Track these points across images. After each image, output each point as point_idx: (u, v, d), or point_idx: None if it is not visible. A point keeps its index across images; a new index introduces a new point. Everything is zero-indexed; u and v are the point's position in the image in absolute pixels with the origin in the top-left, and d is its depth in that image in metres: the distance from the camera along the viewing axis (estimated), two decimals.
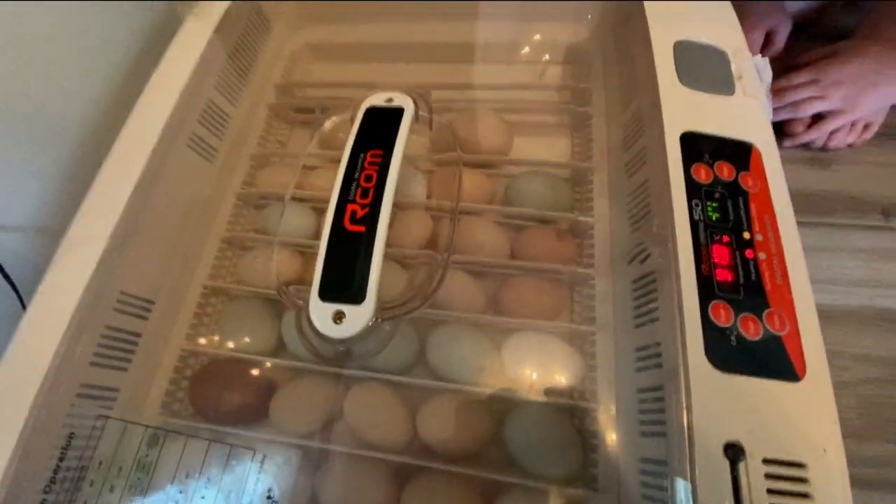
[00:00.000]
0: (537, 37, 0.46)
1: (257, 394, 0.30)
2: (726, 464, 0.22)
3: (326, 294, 0.24)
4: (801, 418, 0.23)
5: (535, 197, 0.36)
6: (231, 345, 0.32)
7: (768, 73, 0.35)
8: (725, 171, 0.29)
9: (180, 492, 0.26)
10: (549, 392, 0.29)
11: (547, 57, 0.46)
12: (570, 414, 0.29)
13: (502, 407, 0.30)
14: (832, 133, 0.46)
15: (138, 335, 0.32)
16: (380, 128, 0.29)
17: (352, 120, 0.30)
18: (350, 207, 0.25)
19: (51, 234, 0.32)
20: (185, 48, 0.38)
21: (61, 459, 0.26)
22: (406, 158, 0.28)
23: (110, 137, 0.33)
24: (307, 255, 0.35)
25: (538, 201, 0.35)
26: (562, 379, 0.29)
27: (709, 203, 0.28)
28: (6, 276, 0.32)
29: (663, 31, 0.34)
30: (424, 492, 0.27)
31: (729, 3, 0.37)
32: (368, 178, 0.26)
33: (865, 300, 0.40)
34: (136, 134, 0.34)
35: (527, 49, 0.46)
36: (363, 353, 0.26)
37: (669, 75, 0.32)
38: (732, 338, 0.24)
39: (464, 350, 0.30)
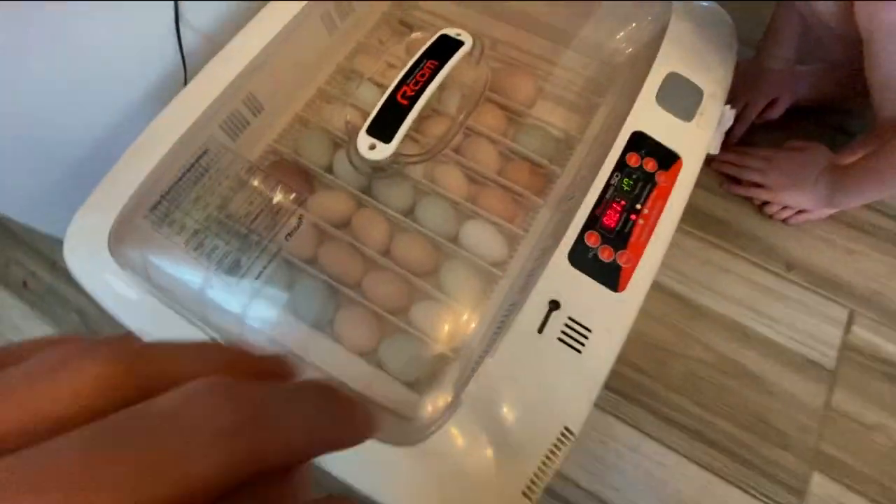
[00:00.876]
0: (592, 36, 0.58)
1: (305, 186, 0.47)
2: (546, 308, 0.37)
3: (371, 130, 0.40)
4: (607, 311, 0.38)
5: (531, 142, 0.50)
6: (299, 153, 0.49)
7: (728, 122, 0.47)
8: (650, 164, 0.42)
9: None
10: (477, 255, 0.45)
11: (591, 53, 0.58)
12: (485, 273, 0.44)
13: (443, 252, 0.45)
14: (767, 205, 0.57)
15: (248, 124, 0.50)
16: (443, 49, 0.43)
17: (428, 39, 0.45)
18: (403, 88, 0.41)
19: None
20: None
21: (189, 169, 0.44)
22: (452, 77, 0.43)
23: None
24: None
25: (532, 146, 0.50)
26: (489, 251, 0.44)
27: (626, 178, 0.42)
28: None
29: (665, 61, 0.46)
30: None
31: (733, 60, 0.49)
32: (422, 76, 0.41)
33: (734, 313, 0.52)
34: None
35: (582, 44, 0.58)
36: (382, 177, 0.42)
37: (650, 93, 0.45)
38: (590, 255, 0.39)
39: (439, 213, 0.46)
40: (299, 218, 0.40)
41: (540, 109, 0.54)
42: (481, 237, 0.46)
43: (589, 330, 0.37)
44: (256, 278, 0.39)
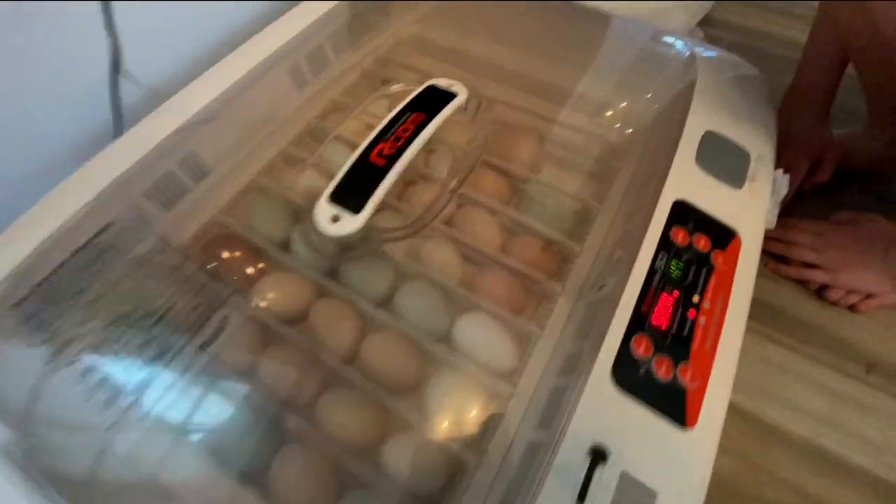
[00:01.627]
0: (605, 97, 0.51)
1: (252, 270, 0.36)
2: (586, 461, 0.25)
3: (335, 197, 0.30)
4: (674, 459, 0.25)
5: (540, 212, 0.40)
6: (249, 226, 0.38)
7: (784, 189, 0.38)
8: (702, 242, 0.32)
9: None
10: (476, 361, 0.33)
11: (609, 113, 0.51)
12: (487, 391, 0.32)
13: (430, 359, 0.33)
14: (826, 290, 0.47)
15: (187, 191, 0.39)
16: (432, 101, 0.35)
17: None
18: (380, 146, 0.31)
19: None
20: (314, 6, 0.47)
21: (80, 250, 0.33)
22: (442, 135, 0.34)
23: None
24: None
25: (542, 216, 0.40)
26: (493, 355, 0.33)
27: (674, 260, 0.31)
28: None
29: (699, 119, 0.38)
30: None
31: (774, 118, 0.41)
32: (405, 131, 0.32)
33: (813, 433, 0.40)
34: (257, 46, 0.42)
35: (592, 104, 0.51)
36: (347, 259, 0.31)
37: (688, 155, 0.36)
38: (641, 370, 0.27)
39: (425, 303, 0.35)
40: (224, 318, 0.28)
41: (548, 175, 0.45)
42: (482, 336, 0.34)
43: (653, 495, 0.24)
44: (149, 410, 0.26)
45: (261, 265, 0.36)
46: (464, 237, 0.38)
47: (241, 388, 0.31)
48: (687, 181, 0.35)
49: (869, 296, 0.45)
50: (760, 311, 0.46)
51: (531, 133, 0.46)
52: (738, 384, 0.41)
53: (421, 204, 0.37)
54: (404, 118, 0.33)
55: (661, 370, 0.27)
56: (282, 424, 0.30)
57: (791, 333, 0.45)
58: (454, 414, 0.32)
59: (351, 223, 0.29)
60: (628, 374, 0.27)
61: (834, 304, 0.46)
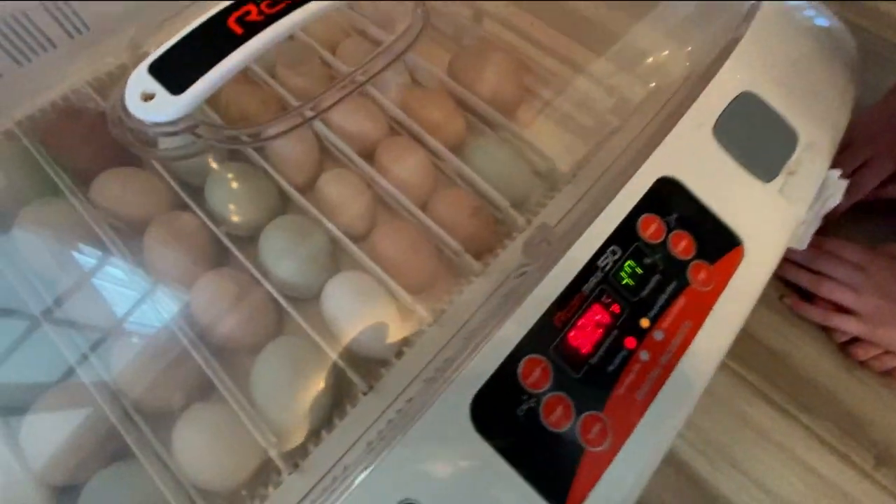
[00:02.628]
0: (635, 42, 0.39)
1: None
2: None
3: (155, 68, 0.20)
4: None
5: (492, 166, 0.30)
6: None
7: (836, 198, 0.26)
8: (682, 245, 0.22)
9: None
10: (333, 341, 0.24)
11: (642, 63, 0.39)
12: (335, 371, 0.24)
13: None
14: (855, 344, 0.35)
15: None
16: None
17: None
18: (248, 7, 0.21)
19: None
20: None
21: None
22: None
23: None
24: None
25: (491, 171, 0.30)
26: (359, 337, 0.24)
27: (630, 261, 0.21)
28: None
29: (737, 74, 0.27)
30: None
31: (852, 100, 0.29)
32: None
33: None
34: None
35: (626, 47, 0.39)
36: (164, 151, 0.22)
37: (703, 119, 0.25)
38: (523, 408, 0.18)
39: (287, 239, 0.26)
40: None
41: (522, 121, 0.34)
42: (349, 307, 0.25)
43: None
44: None
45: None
46: (375, 174, 0.29)
47: None
48: (688, 154, 0.24)
49: None
50: (755, 354, 0.35)
51: (512, 58, 0.35)
52: (697, 440, 0.32)
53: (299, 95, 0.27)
54: None
55: (554, 414, 0.18)
56: None
57: (789, 392, 0.34)
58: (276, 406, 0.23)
59: (165, 107, 0.20)
60: (499, 409, 0.18)
61: (861, 364, 0.35)
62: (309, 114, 0.24)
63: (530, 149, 0.32)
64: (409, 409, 0.18)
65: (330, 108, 0.25)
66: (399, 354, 0.24)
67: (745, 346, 0.35)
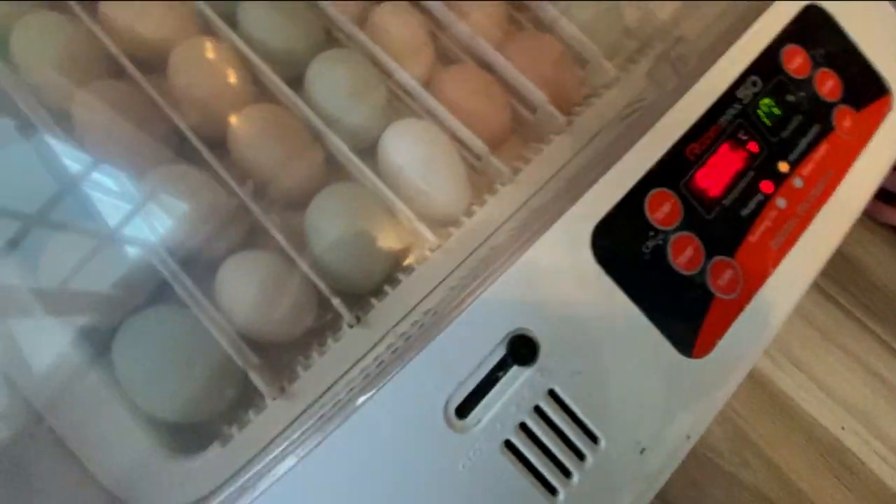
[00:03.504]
0: None
1: None
2: (500, 350, 0.14)
3: None
4: (655, 399, 0.14)
5: (574, 5, 0.25)
6: None
7: None
8: (829, 85, 0.18)
9: None
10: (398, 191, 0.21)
11: None
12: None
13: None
14: None
15: None
16: None
17: None
18: None
19: None
20: None
21: None
22: None
23: None
24: None
25: (575, 12, 0.25)
26: (434, 190, 0.20)
27: (770, 97, 0.18)
28: None
29: None
30: None
31: None
32: None
33: (834, 426, 0.29)
34: None
35: None
36: None
37: None
38: (649, 245, 0.15)
39: (342, 76, 0.22)
40: None
41: None
42: (421, 156, 0.22)
43: (595, 440, 0.14)
44: None
45: None
46: (441, 8, 0.24)
47: None
48: None
49: None
50: (831, 260, 0.33)
51: None
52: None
53: None
54: None
55: (683, 255, 0.15)
56: None
57: (857, 295, 0.33)
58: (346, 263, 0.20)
59: None
60: (621, 244, 0.15)
61: None
62: None
63: None
64: (520, 232, 0.15)
65: None
66: (470, 213, 0.21)
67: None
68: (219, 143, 0.20)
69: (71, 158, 0.20)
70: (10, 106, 0.20)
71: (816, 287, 0.32)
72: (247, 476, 0.14)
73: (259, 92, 0.23)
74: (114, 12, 0.22)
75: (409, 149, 0.22)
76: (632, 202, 0.15)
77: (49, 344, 0.19)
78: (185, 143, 0.20)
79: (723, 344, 0.15)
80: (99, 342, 0.19)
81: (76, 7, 0.21)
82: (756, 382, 0.30)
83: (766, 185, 0.17)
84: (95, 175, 0.20)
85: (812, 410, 0.29)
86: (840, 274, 0.33)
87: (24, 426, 0.18)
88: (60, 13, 0.21)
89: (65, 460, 0.17)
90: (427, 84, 0.24)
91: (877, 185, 0.19)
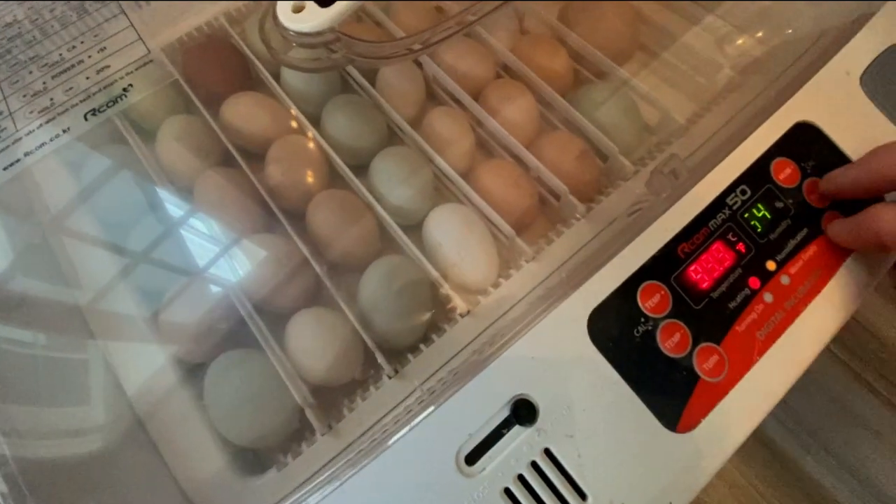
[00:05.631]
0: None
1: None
2: (504, 409, 0.17)
3: None
4: (638, 468, 0.17)
5: (601, 110, 0.29)
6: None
7: None
8: (817, 195, 0.21)
9: None
10: (435, 263, 0.25)
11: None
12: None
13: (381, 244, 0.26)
14: None
15: None
16: None
17: None
18: None
19: None
20: None
21: None
22: None
23: None
24: None
25: (600, 115, 0.29)
26: (467, 264, 0.24)
27: (760, 204, 0.20)
28: None
29: (888, 27, 0.24)
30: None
31: None
32: None
33: None
34: None
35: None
36: (299, 60, 0.24)
37: (849, 67, 0.23)
38: (639, 330, 0.18)
39: (398, 169, 0.27)
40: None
41: (632, 69, 0.33)
42: (457, 236, 0.26)
43: (583, 496, 0.16)
44: None
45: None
46: (482, 112, 0.29)
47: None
48: (831, 101, 0.22)
49: None
50: (862, 342, 0.33)
51: (630, 14, 0.34)
52: (790, 421, 0.30)
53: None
54: None
55: (671, 340, 0.18)
56: None
57: (894, 383, 0.32)
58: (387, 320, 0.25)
59: (313, 18, 0.21)
60: (615, 327, 0.18)
61: None
62: (417, 47, 0.25)
63: (643, 99, 0.31)
64: (519, 323, 0.18)
65: (438, 42, 0.25)
66: (496, 285, 0.24)
67: (849, 331, 0.33)
68: (300, 216, 0.26)
69: (189, 223, 0.27)
70: (147, 180, 0.26)
71: (851, 371, 0.32)
72: (296, 496, 0.18)
73: (332, 176, 0.28)
74: (230, 114, 0.28)
75: (448, 228, 0.26)
76: (626, 291, 0.18)
77: (151, 364, 0.24)
78: (272, 217, 0.25)
79: (707, 422, 0.17)
80: (193, 366, 0.24)
81: (204, 111, 0.28)
82: (780, 463, 0.30)
83: (754, 282, 0.19)
84: (208, 236, 0.26)
85: (835, 495, 0.28)
86: (874, 358, 0.32)
87: (128, 431, 0.22)
88: (193, 115, 0.29)
89: (152, 466, 0.21)
90: (468, 174, 0.28)
91: (874, 282, 0.20)
